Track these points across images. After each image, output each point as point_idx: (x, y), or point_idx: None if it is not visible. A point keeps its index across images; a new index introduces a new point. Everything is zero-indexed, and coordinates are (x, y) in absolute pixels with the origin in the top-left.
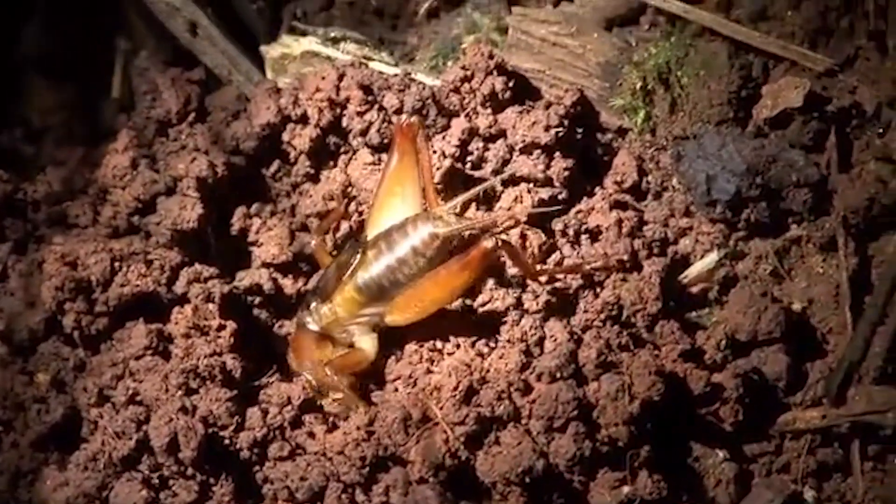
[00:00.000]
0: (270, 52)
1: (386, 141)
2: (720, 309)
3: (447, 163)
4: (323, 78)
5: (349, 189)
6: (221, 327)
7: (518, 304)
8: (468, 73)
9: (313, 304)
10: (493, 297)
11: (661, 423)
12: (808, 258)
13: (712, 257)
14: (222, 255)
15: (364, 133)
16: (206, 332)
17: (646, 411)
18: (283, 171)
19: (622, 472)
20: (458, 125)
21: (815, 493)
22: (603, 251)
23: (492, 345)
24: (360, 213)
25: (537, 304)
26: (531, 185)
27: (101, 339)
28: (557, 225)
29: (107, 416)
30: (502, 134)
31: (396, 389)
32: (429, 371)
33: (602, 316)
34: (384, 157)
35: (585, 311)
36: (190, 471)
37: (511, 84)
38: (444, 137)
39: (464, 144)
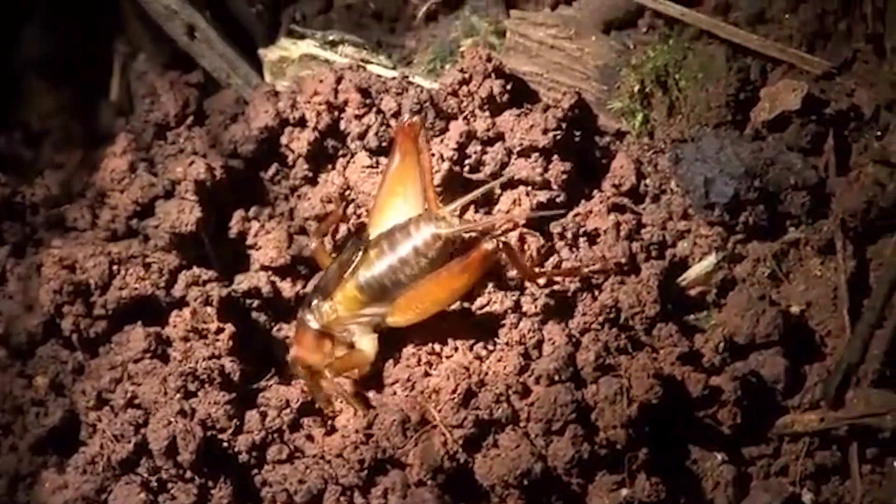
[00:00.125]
0: (269, 55)
1: (384, 144)
2: (718, 312)
3: (445, 166)
4: (321, 81)
5: (347, 192)
6: (220, 330)
7: (516, 306)
8: (466, 76)
9: (314, 302)
10: (491, 300)
11: (659, 425)
12: (806, 261)
13: (710, 260)
14: (221, 258)
15: (362, 136)
16: (204, 336)
17: (644, 414)
18: (281, 174)
19: (620, 474)
20: (456, 128)
21: (814, 496)
22: (601, 254)
23: (490, 347)
24: (359, 216)
25: (536, 306)
26: (529, 188)
27: (99, 342)
28: (556, 228)
29: (105, 419)
30: (500, 137)
31: (395, 392)
32: (427, 374)
33: (600, 319)
34: (382, 160)
35: (584, 314)
36: (189, 474)
37: (509, 87)
38: (441, 140)
39: (462, 147)
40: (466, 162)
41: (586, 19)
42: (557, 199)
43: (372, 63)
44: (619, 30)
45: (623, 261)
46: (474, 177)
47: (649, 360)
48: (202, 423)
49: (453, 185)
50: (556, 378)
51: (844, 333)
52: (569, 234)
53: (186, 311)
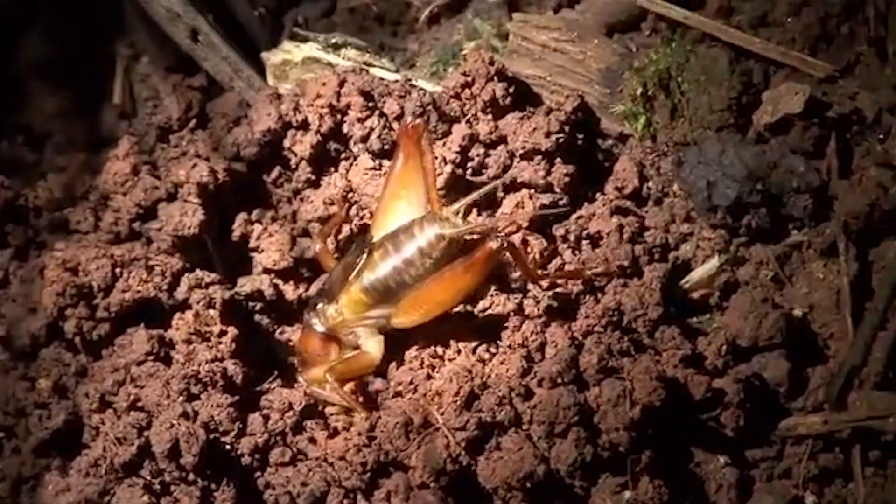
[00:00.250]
0: (272, 58)
1: (387, 147)
2: (721, 314)
3: (448, 169)
4: (324, 84)
5: (350, 195)
6: (223, 333)
7: (519, 309)
8: (469, 79)
9: (320, 305)
10: (494, 303)
11: (662, 428)
12: (808, 264)
13: (713, 263)
14: (223, 261)
15: (365, 139)
16: (207, 338)
17: (647, 417)
18: (284, 177)
19: (623, 477)
20: (459, 131)
21: (817, 499)
22: (604, 257)
23: (493, 350)
24: (362, 218)
25: (538, 309)
26: (532, 191)
27: (102, 344)
28: (559, 231)
29: (108, 421)
30: (503, 140)
31: (397, 395)
32: (430, 376)
33: (603, 321)
34: (385, 162)
35: (586, 317)
36: (191, 476)
37: (512, 90)
38: (444, 144)
39: (464, 150)
40: (469, 165)
41: (589, 22)
42: (560, 202)
43: (375, 66)
44: (621, 33)
45: (626, 263)
46: (477, 180)
47: (652, 362)
48: (205, 426)
49: (456, 189)
50: (559, 380)
51: (847, 336)
52: (571, 237)
53: (189, 314)
